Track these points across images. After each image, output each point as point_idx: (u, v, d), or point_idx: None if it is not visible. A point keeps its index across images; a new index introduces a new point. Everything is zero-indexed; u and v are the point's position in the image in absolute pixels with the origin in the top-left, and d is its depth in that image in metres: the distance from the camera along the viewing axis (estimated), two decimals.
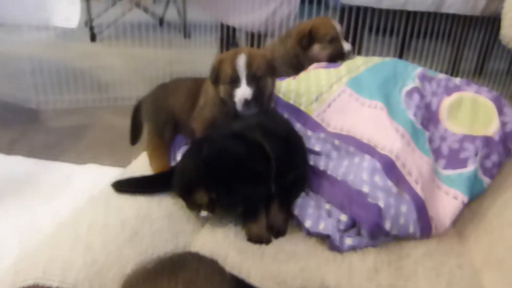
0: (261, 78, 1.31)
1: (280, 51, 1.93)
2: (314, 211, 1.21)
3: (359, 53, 2.63)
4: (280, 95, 1.57)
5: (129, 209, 1.16)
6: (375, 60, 1.65)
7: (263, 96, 1.33)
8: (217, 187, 1.09)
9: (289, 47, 1.91)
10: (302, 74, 1.69)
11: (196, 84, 1.51)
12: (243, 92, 1.29)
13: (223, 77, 1.33)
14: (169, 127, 1.51)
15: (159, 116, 1.51)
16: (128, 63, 3.11)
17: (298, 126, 1.44)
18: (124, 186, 1.26)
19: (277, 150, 1.14)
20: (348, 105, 1.48)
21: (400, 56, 2.84)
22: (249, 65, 1.29)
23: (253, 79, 1.30)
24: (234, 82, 1.31)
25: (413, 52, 2.89)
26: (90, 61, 3.19)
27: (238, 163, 1.09)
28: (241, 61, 1.29)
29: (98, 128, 2.25)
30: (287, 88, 1.60)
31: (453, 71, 2.70)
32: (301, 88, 1.57)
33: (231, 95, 1.31)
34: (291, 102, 1.53)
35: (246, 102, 1.29)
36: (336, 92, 1.53)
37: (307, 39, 1.87)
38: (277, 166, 1.13)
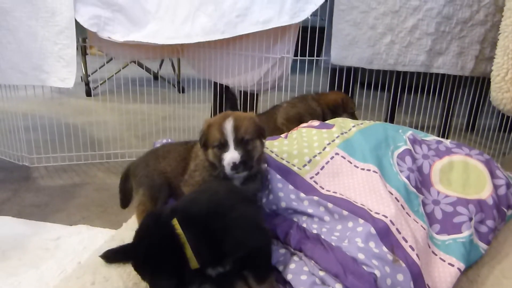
0: (249, 141, 1.34)
1: (302, 106, 2.29)
2: (308, 278, 1.20)
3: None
4: (273, 155, 1.59)
5: (118, 281, 1.14)
6: (366, 123, 1.70)
7: (251, 159, 1.35)
8: (137, 271, 1.12)
9: (314, 106, 2.29)
10: (295, 133, 1.73)
11: (186, 148, 1.54)
12: (231, 156, 1.32)
13: (211, 141, 1.36)
14: (165, 190, 1.52)
15: (153, 179, 1.53)
16: (122, 118, 3.16)
17: (290, 188, 1.46)
18: (114, 256, 1.25)
19: (204, 235, 1.11)
20: (342, 168, 1.50)
21: (393, 110, 2.91)
22: (236, 129, 1.33)
23: (240, 143, 1.33)
24: (222, 146, 1.34)
25: (405, 106, 2.95)
26: (84, 117, 3.23)
27: (146, 257, 1.09)
28: (229, 125, 1.32)
29: (90, 187, 2.24)
30: (280, 148, 1.63)
31: (445, 126, 2.75)
32: (293, 149, 1.60)
33: (219, 159, 1.34)
34: (284, 162, 1.55)
35: (234, 166, 1.31)
36: (329, 154, 1.55)
37: (341, 108, 2.28)
38: (207, 251, 1.10)
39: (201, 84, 2.73)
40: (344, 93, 2.41)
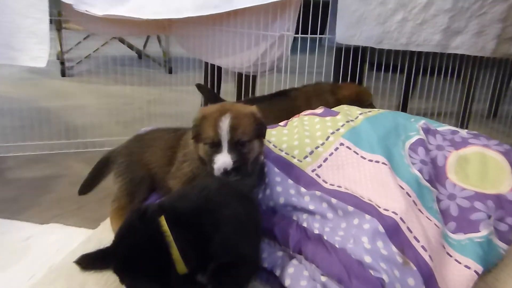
0: (246, 143, 1.34)
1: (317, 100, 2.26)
2: (308, 284, 1.21)
3: None
4: (271, 146, 1.60)
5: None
6: (375, 111, 1.70)
7: (246, 163, 1.35)
8: (118, 276, 1.13)
9: (331, 101, 2.27)
10: (296, 121, 1.73)
11: (175, 136, 1.54)
12: (223, 160, 1.31)
13: (204, 136, 1.36)
14: (145, 185, 1.52)
15: (134, 172, 1.53)
16: (102, 102, 3.15)
17: (290, 183, 1.46)
18: (90, 262, 1.25)
19: (192, 235, 1.12)
20: (347, 160, 1.51)
21: (406, 95, 2.91)
22: (233, 128, 1.31)
23: (236, 145, 1.32)
24: (215, 145, 1.33)
25: (420, 91, 2.96)
26: (59, 100, 3.22)
27: (128, 258, 1.10)
28: (225, 124, 1.31)
29: (64, 180, 2.24)
30: (278, 138, 1.63)
31: (465, 112, 2.75)
32: (294, 140, 1.60)
33: (210, 159, 1.34)
34: (283, 154, 1.56)
35: (225, 172, 1.31)
36: (333, 145, 1.56)
37: (356, 103, 2.22)
38: (194, 253, 1.11)
39: (192, 64, 2.72)
40: (358, 84, 2.40)
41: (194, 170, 1.42)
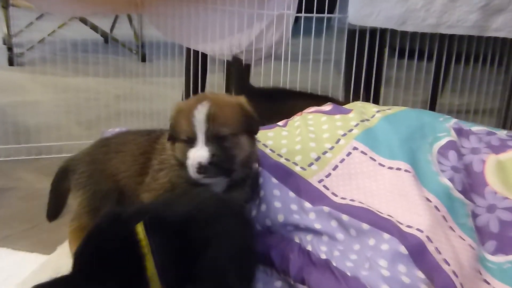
0: (227, 137, 1.35)
1: None
2: None
3: (378, 84, 2.72)
4: (267, 151, 1.62)
5: None
6: (395, 108, 1.73)
7: (230, 161, 1.35)
8: None
9: None
10: (298, 120, 1.75)
11: (149, 139, 1.55)
12: (197, 154, 1.32)
13: (178, 132, 1.38)
14: (111, 200, 1.54)
15: (98, 184, 1.55)
16: (59, 98, 3.16)
17: (291, 196, 1.48)
18: None
19: (172, 253, 1.13)
20: (362, 167, 1.54)
21: (435, 87, 2.92)
22: (210, 118, 1.33)
23: (215, 139, 1.33)
24: (191, 141, 1.35)
25: (453, 82, 2.97)
26: (6, 95, 3.21)
27: (91, 271, 1.12)
28: (200, 114, 1.33)
29: (13, 194, 2.25)
30: (277, 141, 1.65)
31: (508, 109, 2.78)
32: (295, 143, 1.63)
33: (186, 157, 1.35)
34: (282, 161, 1.58)
35: (200, 168, 1.31)
36: (344, 149, 1.58)
37: None
38: (174, 271, 1.13)
39: (171, 50, 2.73)
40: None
41: (173, 180, 1.44)
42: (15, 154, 2.52)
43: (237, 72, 2.43)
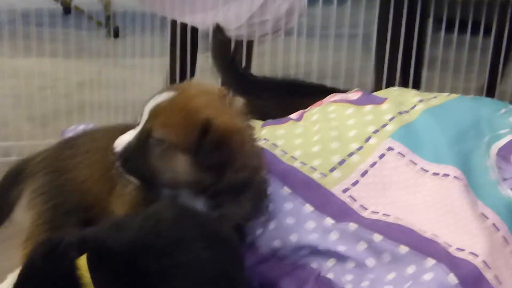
0: (158, 144, 1.36)
1: None
2: None
3: (418, 66, 2.71)
4: (276, 152, 1.65)
5: None
6: (442, 97, 1.76)
7: (147, 169, 1.38)
8: None
9: None
10: (316, 114, 1.77)
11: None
12: (119, 138, 1.39)
13: None
14: (76, 216, 1.57)
15: (61, 195, 1.57)
16: (5, 86, 3.18)
17: (307, 211, 1.51)
18: None
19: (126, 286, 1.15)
20: (398, 173, 1.56)
21: (494, 70, 2.93)
22: (155, 113, 1.37)
23: (145, 137, 1.37)
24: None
25: None
26: None
27: None
28: (152, 102, 1.38)
29: None
30: (289, 141, 1.68)
31: None
32: (313, 143, 1.65)
33: None
34: (297, 165, 1.60)
35: (114, 155, 1.38)
36: (376, 150, 1.60)
37: None
38: None
39: (150, 22, 2.75)
40: None
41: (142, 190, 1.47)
42: None
43: (219, 51, 2.46)
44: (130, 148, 1.36)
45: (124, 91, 2.79)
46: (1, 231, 1.81)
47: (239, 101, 1.45)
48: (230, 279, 1.26)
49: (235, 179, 1.40)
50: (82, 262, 1.14)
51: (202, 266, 1.20)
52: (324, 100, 1.84)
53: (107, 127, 1.72)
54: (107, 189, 1.54)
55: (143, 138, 1.36)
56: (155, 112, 1.36)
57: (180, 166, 1.37)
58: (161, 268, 1.15)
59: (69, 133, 1.99)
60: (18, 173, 1.67)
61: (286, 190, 1.54)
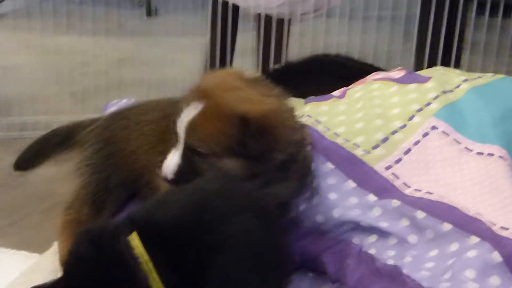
0: (204, 156, 1.38)
1: None
2: None
3: (460, 49, 2.69)
4: (320, 129, 1.65)
5: None
6: (487, 77, 1.74)
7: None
8: None
9: None
10: (359, 91, 1.77)
11: (175, 104, 1.59)
12: (167, 163, 1.41)
13: None
14: (122, 192, 1.59)
15: (109, 168, 1.61)
16: (44, 62, 3.20)
17: (350, 187, 1.51)
18: None
19: (175, 266, 1.15)
20: (442, 152, 1.55)
21: None
22: (190, 129, 1.38)
23: (190, 152, 1.39)
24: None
25: None
26: None
27: None
28: (183, 119, 1.39)
29: None
30: (332, 117, 1.69)
31: None
32: (356, 120, 1.66)
33: None
34: (340, 142, 1.61)
35: (166, 179, 1.40)
36: (420, 128, 1.60)
37: None
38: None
39: (191, 1, 2.76)
40: None
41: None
42: None
43: None
44: (181, 171, 1.38)
45: (163, 68, 2.81)
46: (41, 202, 1.85)
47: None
48: (275, 252, 1.27)
49: (280, 158, 1.41)
50: (136, 241, 1.15)
51: (249, 239, 1.21)
52: (367, 78, 1.84)
53: (157, 100, 1.73)
54: (155, 162, 1.55)
55: (189, 157, 1.38)
56: (191, 128, 1.37)
57: (232, 170, 1.38)
58: (210, 242, 1.16)
59: (112, 108, 2.00)
60: (68, 138, 1.69)
61: (329, 165, 1.54)
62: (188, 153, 1.38)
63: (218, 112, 1.36)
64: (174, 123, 1.48)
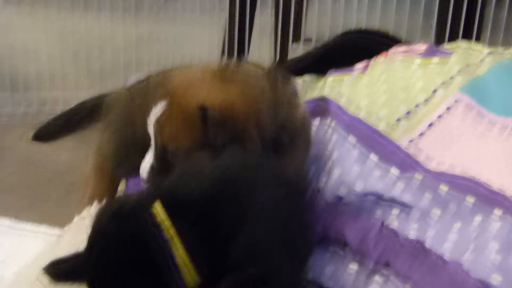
0: (175, 154, 1.38)
1: None
2: None
3: (481, 27, 2.67)
4: (342, 102, 1.65)
5: None
6: (510, 52, 1.74)
7: None
8: None
9: None
10: (382, 65, 1.77)
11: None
12: (142, 165, 1.41)
13: None
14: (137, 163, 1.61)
15: (125, 142, 1.63)
16: (63, 40, 3.21)
17: (373, 160, 1.51)
18: (63, 272, 1.32)
19: (201, 236, 1.14)
20: (465, 125, 1.55)
21: None
22: (159, 128, 1.38)
23: (162, 151, 1.39)
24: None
25: None
26: None
27: (107, 268, 1.13)
28: (151, 118, 1.39)
29: (10, 155, 2.31)
30: (354, 90, 1.69)
31: None
32: (379, 93, 1.65)
33: None
34: (362, 116, 1.61)
35: (147, 182, 1.39)
36: (443, 102, 1.60)
37: None
38: (207, 257, 1.14)
39: None
40: None
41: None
42: (12, 105, 2.59)
43: None
44: (155, 171, 1.38)
45: (181, 46, 2.81)
46: (62, 177, 1.86)
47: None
48: (301, 222, 1.28)
49: (267, 136, 1.41)
50: (158, 209, 1.14)
51: (276, 209, 1.20)
52: (389, 51, 1.83)
53: (177, 68, 1.73)
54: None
55: (161, 157, 1.39)
56: (159, 127, 1.37)
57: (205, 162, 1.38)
58: (236, 211, 1.16)
59: (132, 81, 2.02)
60: (93, 108, 1.71)
61: (351, 139, 1.54)
62: (160, 154, 1.38)
63: (180, 108, 1.37)
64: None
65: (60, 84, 2.74)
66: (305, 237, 1.30)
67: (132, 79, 2.08)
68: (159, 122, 1.37)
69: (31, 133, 1.85)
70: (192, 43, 2.86)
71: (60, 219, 1.76)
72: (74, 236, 1.52)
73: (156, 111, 1.38)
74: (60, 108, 2.60)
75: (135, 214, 1.14)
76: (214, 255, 1.13)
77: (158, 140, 1.38)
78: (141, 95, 1.63)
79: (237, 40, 2.77)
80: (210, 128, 1.33)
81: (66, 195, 1.87)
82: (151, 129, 1.38)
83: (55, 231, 1.73)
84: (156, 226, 1.12)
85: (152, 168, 1.38)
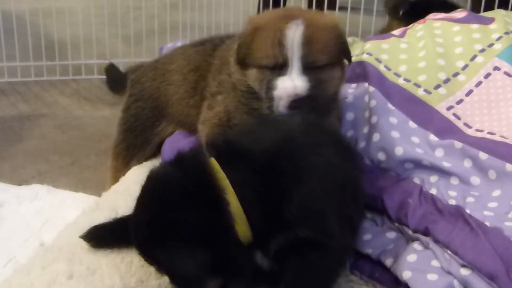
0: (324, 68, 1.38)
1: None
2: (439, 279, 1.24)
3: None
4: (381, 68, 1.64)
5: (112, 274, 1.25)
6: None
7: (325, 96, 1.40)
8: (144, 251, 1.19)
9: None
10: (421, 30, 1.76)
11: (201, 53, 1.62)
12: (293, 85, 1.36)
13: (258, 56, 1.41)
14: (157, 131, 1.66)
15: (146, 109, 1.68)
16: (98, 6, 3.21)
17: (412, 127, 1.51)
18: (103, 237, 1.34)
19: (256, 190, 1.15)
20: (504, 93, 1.54)
21: None
22: (307, 43, 1.36)
23: (311, 70, 1.37)
24: (279, 67, 1.38)
25: None
26: (33, 2, 3.27)
27: (160, 214, 1.14)
28: (296, 35, 1.36)
29: (48, 121, 2.31)
30: (393, 56, 1.67)
31: None
32: (418, 59, 1.64)
33: (269, 87, 1.39)
34: (401, 82, 1.60)
35: (295, 102, 1.36)
36: (482, 69, 1.58)
37: None
38: (261, 213, 1.15)
39: None
40: None
41: (230, 108, 1.50)
42: (47, 74, 2.60)
43: None
44: (311, 88, 1.36)
45: (215, 11, 2.81)
46: (98, 144, 1.88)
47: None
48: (355, 185, 1.30)
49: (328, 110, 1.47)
50: (213, 161, 1.16)
51: (332, 170, 1.21)
52: (427, 17, 1.82)
53: (183, 47, 1.76)
54: (187, 103, 1.62)
55: (312, 72, 1.37)
56: (308, 44, 1.36)
57: (337, 78, 1.44)
58: (295, 170, 1.17)
59: (167, 50, 2.02)
60: (125, 78, 1.74)
61: (390, 106, 1.54)
62: (307, 66, 1.37)
63: (321, 25, 1.39)
64: (202, 77, 1.56)
65: (95, 51, 2.75)
66: (357, 203, 1.31)
67: (169, 46, 2.10)
68: (306, 38, 1.36)
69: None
70: (226, 8, 2.85)
71: (97, 185, 1.79)
72: (113, 203, 1.54)
73: (298, 29, 1.36)
74: (95, 75, 2.63)
75: (194, 165, 1.17)
76: (267, 211, 1.14)
77: (308, 53, 1.36)
78: (150, 80, 1.69)
79: (272, 4, 2.77)
80: (344, 47, 1.43)
81: (102, 161, 1.88)
82: (293, 46, 1.36)
83: (92, 197, 1.74)
84: (209, 175, 1.14)
85: (309, 91, 1.36)
